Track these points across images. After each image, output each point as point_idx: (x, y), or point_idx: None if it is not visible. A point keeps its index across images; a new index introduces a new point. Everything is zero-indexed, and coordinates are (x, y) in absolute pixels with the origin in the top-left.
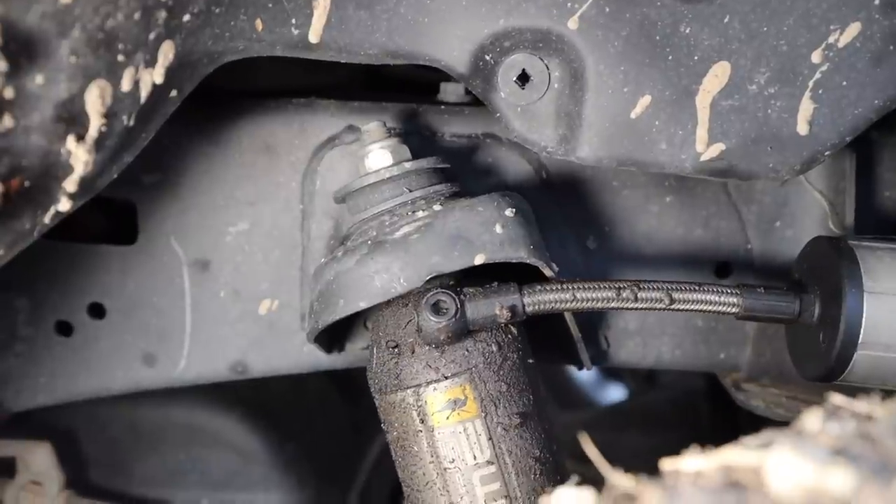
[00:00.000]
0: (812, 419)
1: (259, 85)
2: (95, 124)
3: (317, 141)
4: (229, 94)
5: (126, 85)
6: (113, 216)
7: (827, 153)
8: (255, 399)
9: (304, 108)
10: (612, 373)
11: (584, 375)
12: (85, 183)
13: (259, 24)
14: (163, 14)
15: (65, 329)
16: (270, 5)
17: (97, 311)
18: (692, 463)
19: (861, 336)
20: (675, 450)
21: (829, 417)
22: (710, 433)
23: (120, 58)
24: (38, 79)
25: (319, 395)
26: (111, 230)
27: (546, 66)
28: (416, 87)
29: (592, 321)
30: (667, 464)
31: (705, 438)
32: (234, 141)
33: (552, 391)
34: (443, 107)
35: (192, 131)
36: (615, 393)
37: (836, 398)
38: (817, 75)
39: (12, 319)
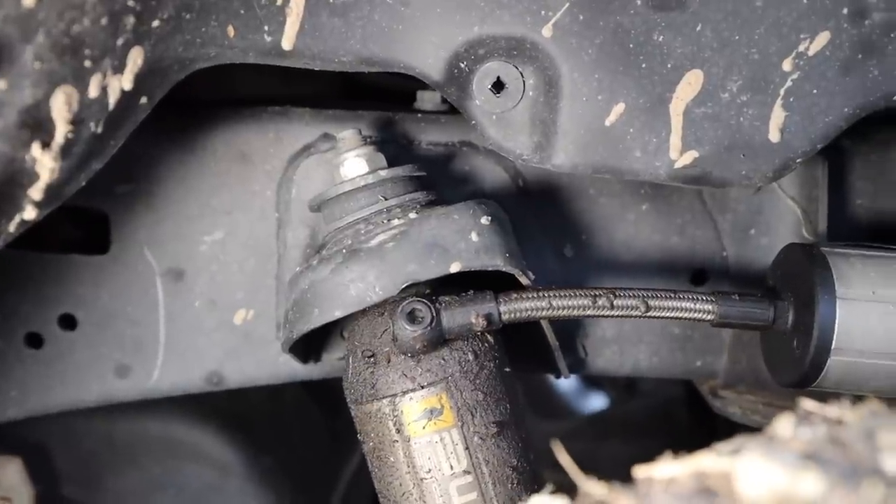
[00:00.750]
0: (783, 424)
1: (236, 94)
2: (62, 131)
3: (292, 149)
4: (205, 103)
5: (93, 91)
6: (85, 226)
7: (799, 160)
8: (231, 410)
9: (280, 116)
10: (593, 381)
11: (565, 384)
12: (51, 191)
13: (231, 31)
14: (131, 20)
15: (35, 341)
16: (242, 12)
17: (68, 322)
18: (665, 470)
19: (834, 342)
20: (655, 458)
21: (801, 422)
22: (689, 441)
23: (87, 63)
24: (1, 84)
25: (297, 406)
26: (83, 240)
27: (521, 73)
28: (393, 96)
29: (570, 329)
30: (640, 471)
31: (685, 446)
32: (209, 149)
33: (532, 400)
34: (419, 115)
35: (166, 140)
36: (595, 402)
37: (808, 403)
38: (788, 83)
39: None
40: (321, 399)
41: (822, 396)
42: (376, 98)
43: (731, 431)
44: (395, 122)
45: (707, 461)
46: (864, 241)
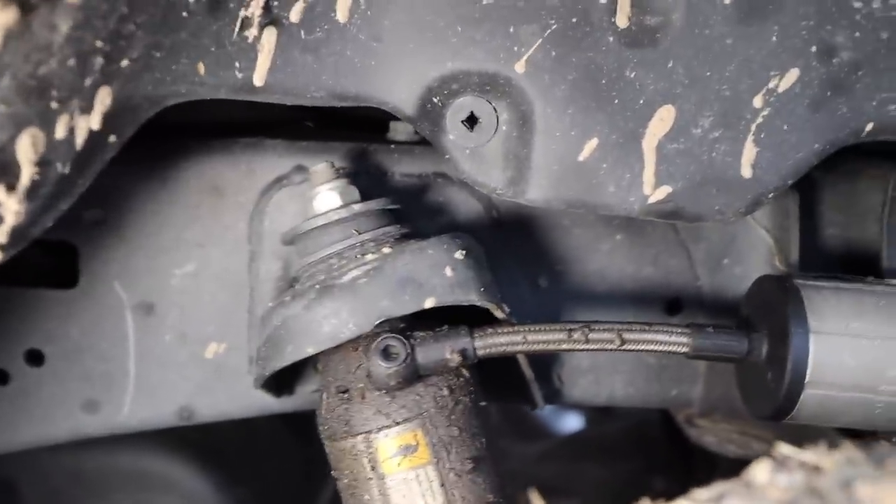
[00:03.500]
0: (761, 470)
1: (203, 119)
2: (27, 173)
3: (265, 181)
4: (174, 129)
5: (60, 132)
6: (52, 258)
7: (770, 195)
8: (203, 441)
9: (252, 148)
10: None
11: None
12: (16, 233)
13: (201, 68)
14: (99, 60)
15: (1, 377)
16: (213, 49)
17: (35, 357)
18: None
19: (808, 376)
20: (632, 480)
21: (778, 469)
22: (665, 463)
23: (53, 105)
24: None
25: (270, 435)
26: (50, 273)
27: (494, 108)
28: (365, 124)
29: (545, 360)
30: None
31: (661, 468)
32: (181, 182)
33: (508, 422)
34: (392, 146)
35: (137, 172)
36: (571, 422)
37: (784, 448)
38: (759, 119)
39: None
40: (295, 427)
41: (797, 429)
42: (348, 125)
43: (706, 454)
44: (369, 153)
45: None
46: (836, 271)
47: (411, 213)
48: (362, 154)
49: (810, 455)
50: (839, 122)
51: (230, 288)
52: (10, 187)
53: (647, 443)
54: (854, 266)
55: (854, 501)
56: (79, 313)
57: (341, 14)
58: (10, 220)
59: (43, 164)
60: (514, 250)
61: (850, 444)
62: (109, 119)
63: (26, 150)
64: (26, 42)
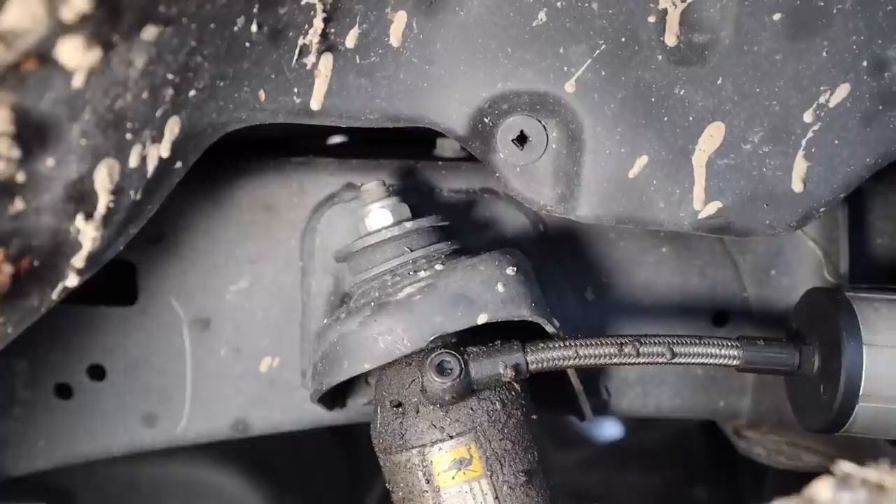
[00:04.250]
0: (823, 488)
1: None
2: (103, 201)
3: (316, 199)
4: (228, 149)
5: (133, 161)
6: (113, 277)
7: (822, 210)
8: (253, 453)
9: (303, 166)
10: None
11: None
12: (93, 258)
13: (262, 95)
14: (170, 91)
15: (64, 392)
16: (273, 76)
17: (97, 372)
18: None
19: (862, 389)
20: (673, 489)
21: (841, 486)
22: (706, 472)
23: (128, 136)
24: (49, 162)
25: (318, 447)
26: (111, 291)
27: (544, 127)
28: (413, 140)
29: (593, 372)
30: None
31: (702, 477)
32: (234, 200)
33: (549, 430)
34: (440, 162)
35: (192, 192)
36: (610, 430)
37: (846, 466)
38: (809, 134)
39: (11, 383)
40: (342, 438)
41: (848, 440)
42: (396, 140)
43: (750, 464)
44: (417, 170)
45: None
46: (885, 281)
47: (459, 228)
48: (410, 171)
49: (873, 473)
50: (891, 136)
51: (283, 303)
52: (89, 215)
53: (688, 452)
54: None
55: None
56: (138, 329)
57: (395, 39)
58: (88, 246)
59: (117, 191)
60: (561, 263)
61: None
62: (177, 147)
63: (103, 179)
64: (105, 78)
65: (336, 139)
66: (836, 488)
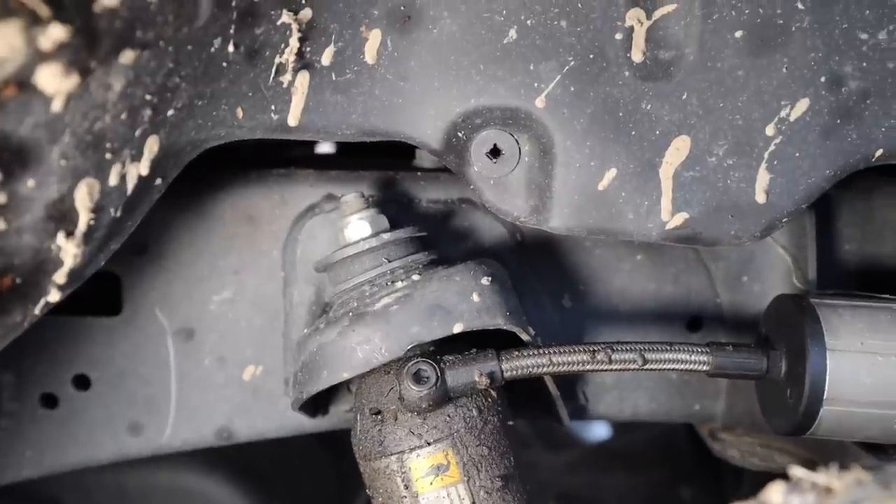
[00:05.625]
0: (775, 492)
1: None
2: (84, 219)
3: (297, 210)
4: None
5: (113, 180)
6: (98, 288)
7: (784, 220)
8: (240, 458)
9: (285, 178)
10: None
11: None
12: (74, 274)
13: (240, 113)
14: (148, 112)
15: (50, 402)
16: (251, 94)
17: (82, 382)
18: None
19: (826, 393)
20: (659, 490)
21: (791, 490)
22: (692, 473)
23: (107, 156)
24: (30, 183)
25: (304, 451)
26: (96, 302)
27: (516, 141)
28: (393, 151)
29: (571, 377)
30: None
31: (688, 478)
32: (217, 212)
33: (536, 432)
34: (419, 173)
35: (176, 204)
36: (598, 431)
37: (797, 470)
38: (772, 147)
39: None
40: (329, 444)
41: (819, 441)
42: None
43: (733, 465)
44: (396, 181)
45: None
46: (853, 287)
47: (438, 238)
48: (390, 182)
49: (822, 477)
50: (849, 149)
51: (266, 313)
52: (70, 233)
53: (674, 453)
54: (871, 281)
55: None
56: (123, 339)
57: (370, 56)
58: (69, 263)
59: (98, 210)
60: (539, 272)
61: (858, 465)
62: (156, 164)
63: (83, 198)
64: (84, 102)
65: (324, 148)
66: (786, 492)
